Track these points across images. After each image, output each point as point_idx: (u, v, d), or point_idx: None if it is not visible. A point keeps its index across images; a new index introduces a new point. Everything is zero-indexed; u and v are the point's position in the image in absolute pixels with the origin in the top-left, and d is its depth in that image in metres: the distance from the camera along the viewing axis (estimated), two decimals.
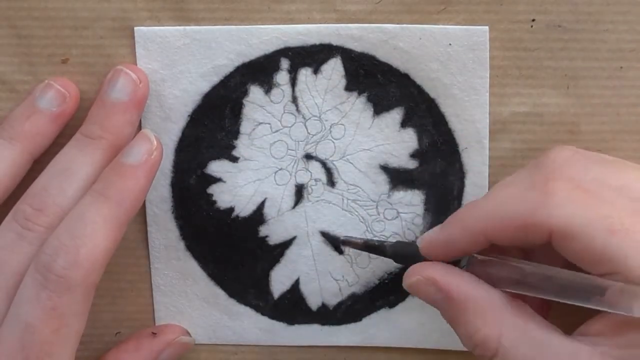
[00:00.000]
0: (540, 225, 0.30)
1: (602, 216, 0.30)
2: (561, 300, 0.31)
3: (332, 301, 0.40)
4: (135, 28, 0.37)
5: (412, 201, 0.39)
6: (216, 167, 0.38)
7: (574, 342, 0.31)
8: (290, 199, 0.39)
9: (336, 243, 0.39)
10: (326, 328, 0.40)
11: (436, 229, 0.35)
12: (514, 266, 0.32)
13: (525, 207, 0.31)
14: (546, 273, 0.32)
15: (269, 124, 0.38)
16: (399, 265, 0.39)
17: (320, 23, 0.37)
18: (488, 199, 0.33)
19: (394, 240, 0.38)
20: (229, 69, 0.37)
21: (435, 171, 0.38)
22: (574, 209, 0.30)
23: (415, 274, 0.34)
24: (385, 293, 0.40)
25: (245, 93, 0.38)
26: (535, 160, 0.33)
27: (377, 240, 0.38)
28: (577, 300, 0.31)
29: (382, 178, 0.39)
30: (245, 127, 0.38)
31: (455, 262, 0.34)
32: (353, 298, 0.40)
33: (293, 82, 0.37)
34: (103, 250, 0.32)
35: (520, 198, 0.31)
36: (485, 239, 0.32)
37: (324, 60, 0.37)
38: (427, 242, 0.35)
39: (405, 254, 0.36)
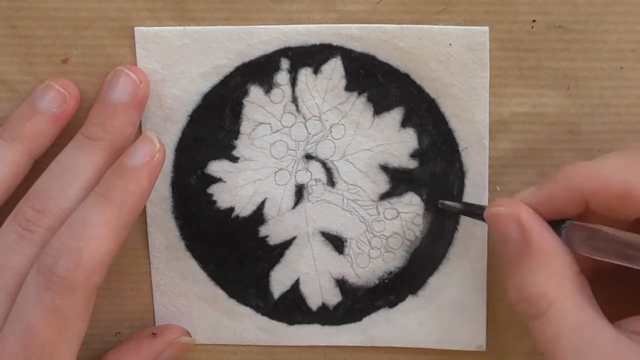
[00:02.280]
0: (638, 198, 0.30)
1: None
2: None
3: (332, 301, 0.40)
4: (135, 28, 0.37)
5: (412, 201, 0.39)
6: (216, 167, 0.38)
7: (621, 336, 0.30)
8: (290, 199, 0.39)
9: (337, 242, 0.39)
10: (326, 328, 0.40)
11: (534, 187, 0.34)
12: (614, 235, 0.32)
13: (628, 177, 0.31)
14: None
15: (269, 124, 0.38)
16: (399, 265, 0.39)
17: (321, 23, 0.37)
18: (594, 163, 0.32)
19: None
20: (229, 69, 0.37)
21: (435, 171, 0.38)
22: None
23: (503, 204, 0.34)
24: (385, 293, 0.40)
25: (245, 93, 0.38)
26: (634, 144, 0.33)
27: (475, 205, 0.37)
28: None
29: (382, 178, 0.39)
30: (245, 127, 0.38)
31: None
32: (353, 298, 0.40)
33: (293, 82, 0.37)
34: (106, 252, 0.32)
35: (625, 168, 0.31)
36: (584, 201, 0.32)
37: (324, 60, 0.37)
38: (525, 197, 0.34)
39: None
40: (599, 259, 0.32)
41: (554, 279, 0.32)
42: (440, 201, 0.39)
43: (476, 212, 0.37)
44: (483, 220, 0.36)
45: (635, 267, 0.31)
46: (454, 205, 0.38)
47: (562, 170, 0.33)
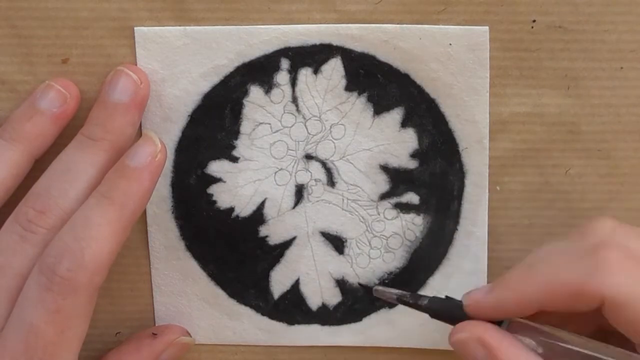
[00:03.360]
0: (593, 293, 0.30)
1: None
2: None
3: (332, 301, 0.40)
4: (135, 28, 0.37)
5: (412, 201, 0.39)
6: (216, 167, 0.38)
7: None
8: (290, 199, 0.39)
9: (337, 242, 0.39)
10: (326, 328, 0.40)
11: (483, 289, 0.35)
12: (552, 335, 0.33)
13: (578, 275, 0.31)
14: (575, 339, 0.32)
15: (269, 124, 0.38)
16: (399, 265, 0.39)
17: (321, 23, 0.37)
18: (539, 267, 0.33)
19: (430, 295, 0.37)
20: (229, 69, 0.37)
21: (435, 171, 0.38)
22: (626, 278, 0.30)
23: (465, 331, 0.34)
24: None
25: (245, 93, 0.38)
26: (578, 230, 0.33)
27: (412, 295, 0.37)
28: None
29: (382, 178, 0.39)
30: (245, 127, 0.38)
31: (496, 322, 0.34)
32: (353, 298, 0.40)
33: (293, 82, 0.37)
34: (107, 253, 0.32)
35: (573, 265, 0.32)
36: (537, 305, 0.32)
37: (324, 61, 0.37)
38: (474, 302, 0.35)
39: (445, 311, 0.36)
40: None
41: None
42: (375, 288, 0.39)
43: (413, 304, 0.37)
44: (422, 311, 0.36)
45: None
46: (390, 294, 0.38)
47: (509, 279, 0.33)
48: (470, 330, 0.34)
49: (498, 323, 0.34)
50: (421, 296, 0.37)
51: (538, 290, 0.32)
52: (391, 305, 0.40)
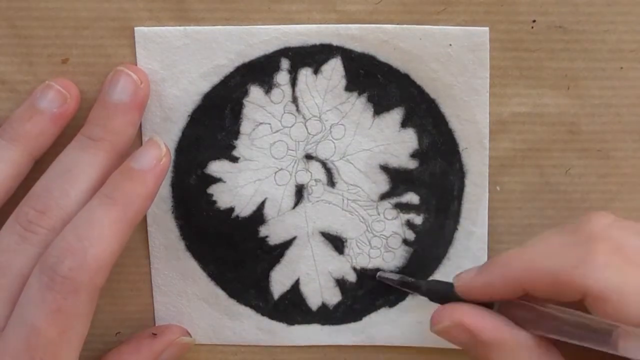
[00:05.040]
0: (575, 284, 0.30)
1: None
2: (579, 343, 0.31)
3: (332, 301, 0.40)
4: (135, 28, 0.37)
5: (412, 201, 0.39)
6: (216, 167, 0.38)
7: None
8: (290, 199, 0.39)
9: (337, 242, 0.39)
10: (326, 328, 0.40)
11: (474, 270, 0.35)
12: (540, 310, 0.33)
13: (563, 264, 0.31)
14: (563, 315, 0.32)
15: (269, 124, 0.38)
16: (399, 265, 0.39)
17: (321, 23, 0.37)
18: (528, 250, 0.33)
19: (429, 279, 0.38)
20: (229, 69, 0.37)
21: (435, 171, 0.38)
22: (611, 274, 0.30)
23: (443, 319, 0.35)
24: (385, 293, 0.40)
25: (245, 93, 0.38)
26: (574, 223, 0.33)
27: (413, 281, 0.38)
28: (591, 342, 0.31)
29: (382, 178, 0.39)
30: (245, 127, 0.38)
31: (489, 304, 0.35)
32: (353, 298, 0.40)
33: (293, 82, 0.37)
34: (110, 253, 0.32)
35: (560, 254, 0.32)
36: (521, 288, 0.33)
37: (324, 61, 0.37)
38: (463, 283, 0.35)
39: (440, 292, 0.37)
40: (530, 332, 0.33)
41: None
42: (378, 274, 0.39)
43: (413, 285, 0.38)
44: (422, 294, 0.37)
45: (570, 341, 0.32)
46: (392, 278, 0.39)
47: (499, 260, 0.34)
48: (449, 317, 0.34)
49: (491, 304, 0.34)
50: (420, 281, 0.38)
51: (522, 274, 0.32)
52: (391, 304, 0.40)
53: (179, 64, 0.37)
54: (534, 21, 0.36)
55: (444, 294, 0.36)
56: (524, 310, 0.33)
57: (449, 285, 0.36)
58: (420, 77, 0.37)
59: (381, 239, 0.39)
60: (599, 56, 0.37)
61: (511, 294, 0.33)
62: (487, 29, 0.36)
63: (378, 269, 0.39)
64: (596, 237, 0.31)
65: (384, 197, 0.39)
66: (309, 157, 0.38)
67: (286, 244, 0.39)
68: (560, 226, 0.34)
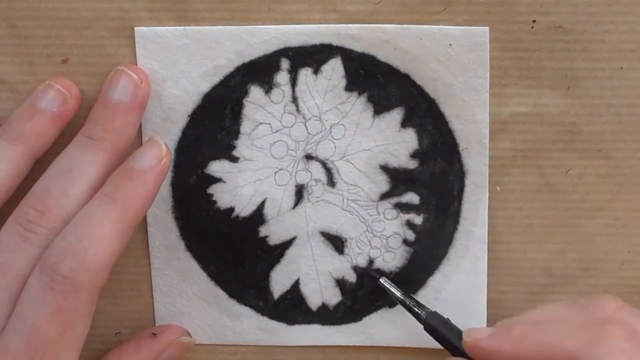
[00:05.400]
0: None
1: None
2: None
3: (332, 301, 0.40)
4: (135, 28, 0.37)
5: (412, 201, 0.39)
6: (216, 167, 0.38)
7: None
8: (290, 199, 0.39)
9: (337, 242, 0.39)
10: (326, 328, 0.40)
11: (485, 332, 0.35)
12: None
13: (577, 345, 0.31)
14: None
15: (269, 124, 0.38)
16: (399, 265, 0.39)
17: (321, 23, 0.37)
18: (544, 328, 0.33)
19: (432, 310, 0.38)
20: (229, 69, 0.37)
21: (435, 171, 0.38)
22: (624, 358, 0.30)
23: None
24: (385, 293, 0.40)
25: (245, 93, 0.38)
26: (583, 301, 0.34)
27: (414, 302, 0.38)
28: None
29: (382, 178, 0.39)
30: (245, 127, 0.38)
31: None
32: (353, 298, 0.40)
33: (293, 82, 0.37)
34: (110, 253, 0.32)
35: (575, 334, 0.32)
36: None
37: (324, 61, 0.37)
38: (473, 343, 0.35)
39: (441, 332, 0.37)
40: None
41: None
42: (381, 280, 0.39)
43: (413, 311, 0.38)
44: (420, 322, 0.37)
45: None
46: (392, 292, 0.39)
47: (512, 331, 0.34)
48: None
49: None
50: (422, 306, 0.38)
51: (537, 351, 0.32)
52: (391, 304, 0.40)
53: (179, 64, 0.37)
54: (534, 21, 0.36)
55: (443, 334, 0.37)
56: None
57: (451, 329, 0.36)
58: (420, 77, 0.37)
59: (381, 239, 0.39)
60: (599, 56, 0.37)
61: None
62: (487, 28, 0.36)
63: (381, 272, 0.39)
64: (610, 320, 0.32)
65: (384, 197, 0.39)
66: (309, 157, 0.38)
67: (286, 244, 0.39)
68: (570, 302, 0.34)
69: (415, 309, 0.38)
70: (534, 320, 0.34)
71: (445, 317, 0.37)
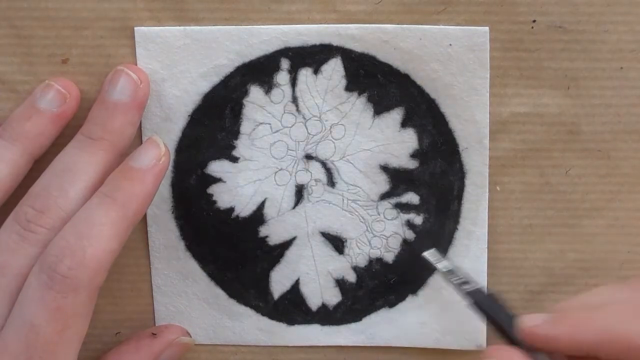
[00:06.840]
0: None
1: None
2: None
3: (332, 301, 0.40)
4: (135, 28, 0.37)
5: (412, 201, 0.39)
6: (216, 167, 0.38)
7: None
8: (290, 199, 0.39)
9: (337, 242, 0.39)
10: (326, 328, 0.40)
11: (539, 319, 0.34)
12: None
13: (634, 328, 0.31)
14: None
15: (269, 124, 0.38)
16: (399, 266, 0.39)
17: (321, 23, 0.37)
18: (600, 315, 0.32)
19: (480, 286, 0.36)
20: (229, 69, 0.37)
21: (435, 171, 0.38)
22: None
23: (494, 357, 0.34)
24: (385, 293, 0.40)
25: (245, 93, 0.38)
26: (634, 283, 0.33)
27: (463, 278, 0.37)
28: None
29: (382, 178, 0.39)
30: (245, 127, 0.38)
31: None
32: (353, 298, 0.40)
33: (293, 82, 0.37)
34: (109, 252, 0.32)
35: (632, 319, 0.31)
36: (592, 350, 0.32)
37: (324, 61, 0.37)
38: (530, 330, 0.34)
39: (493, 313, 0.35)
40: None
41: None
42: (424, 254, 0.38)
43: (460, 285, 0.37)
44: (465, 299, 0.36)
45: None
46: (436, 266, 0.38)
47: (570, 319, 0.33)
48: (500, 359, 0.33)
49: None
50: (468, 282, 0.36)
51: (598, 337, 0.32)
52: (391, 304, 0.40)
53: (179, 64, 0.37)
54: (534, 21, 0.36)
55: (498, 319, 0.35)
56: None
57: (508, 315, 0.35)
58: (420, 77, 0.37)
59: (381, 239, 0.39)
60: (599, 56, 0.37)
61: (576, 353, 0.32)
62: (487, 28, 0.36)
63: (425, 245, 0.39)
64: None
65: (384, 197, 0.39)
66: (309, 157, 0.38)
67: (286, 244, 0.39)
68: (620, 284, 0.34)
69: (462, 286, 0.36)
70: (590, 304, 0.33)
71: (493, 293, 0.35)
